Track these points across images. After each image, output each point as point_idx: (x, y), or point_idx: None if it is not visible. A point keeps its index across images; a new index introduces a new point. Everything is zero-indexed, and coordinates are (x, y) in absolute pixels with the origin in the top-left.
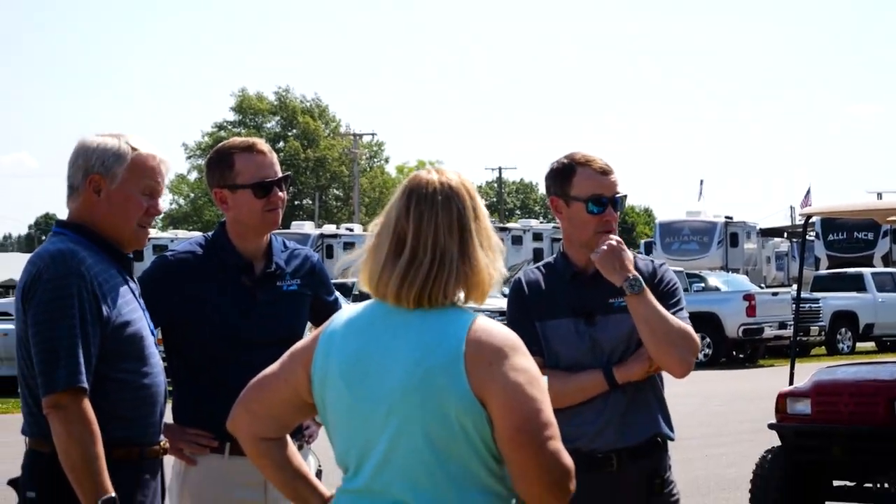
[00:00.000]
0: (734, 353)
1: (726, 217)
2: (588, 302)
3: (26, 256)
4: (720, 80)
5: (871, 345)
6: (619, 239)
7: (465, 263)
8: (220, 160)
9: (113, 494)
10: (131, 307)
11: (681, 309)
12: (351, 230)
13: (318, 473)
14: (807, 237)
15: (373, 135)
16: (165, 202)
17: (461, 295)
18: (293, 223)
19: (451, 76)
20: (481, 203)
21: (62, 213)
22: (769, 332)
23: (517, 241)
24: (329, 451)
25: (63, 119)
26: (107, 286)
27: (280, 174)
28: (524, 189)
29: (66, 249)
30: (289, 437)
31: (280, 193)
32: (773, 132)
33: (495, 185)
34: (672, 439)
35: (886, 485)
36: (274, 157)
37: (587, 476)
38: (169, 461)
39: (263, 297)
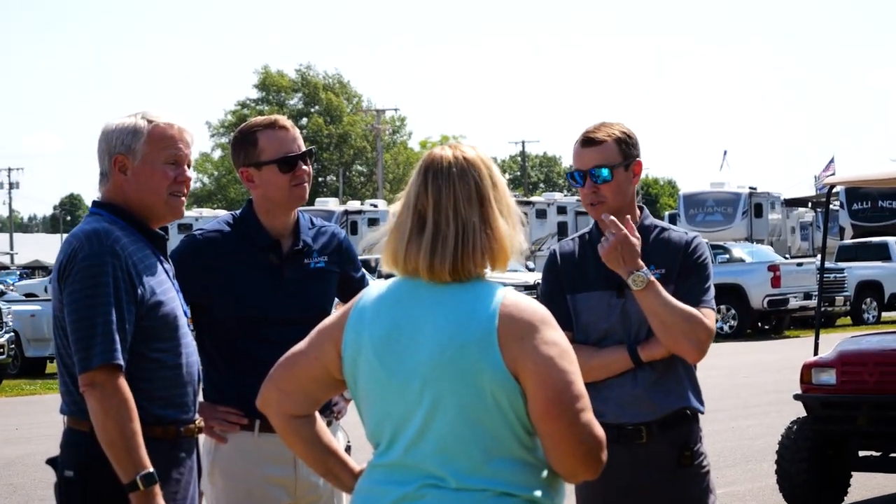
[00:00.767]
0: (759, 324)
1: (750, 188)
2: (619, 274)
3: (51, 237)
4: (743, 52)
5: None
6: (623, 228)
7: (487, 232)
8: (243, 139)
9: (151, 469)
10: (165, 287)
11: (706, 287)
12: (375, 206)
13: (348, 449)
14: (831, 207)
15: (395, 110)
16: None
17: (487, 262)
18: (317, 200)
19: (473, 50)
20: (499, 173)
21: (87, 194)
22: (794, 302)
23: (541, 214)
24: (357, 427)
25: (86, 99)
26: (141, 265)
27: (304, 149)
28: (548, 162)
29: (101, 228)
30: (318, 414)
31: (305, 167)
32: (796, 101)
33: (519, 158)
34: (702, 412)
35: None
36: (297, 132)
37: (617, 448)
38: (200, 439)
39: (291, 275)
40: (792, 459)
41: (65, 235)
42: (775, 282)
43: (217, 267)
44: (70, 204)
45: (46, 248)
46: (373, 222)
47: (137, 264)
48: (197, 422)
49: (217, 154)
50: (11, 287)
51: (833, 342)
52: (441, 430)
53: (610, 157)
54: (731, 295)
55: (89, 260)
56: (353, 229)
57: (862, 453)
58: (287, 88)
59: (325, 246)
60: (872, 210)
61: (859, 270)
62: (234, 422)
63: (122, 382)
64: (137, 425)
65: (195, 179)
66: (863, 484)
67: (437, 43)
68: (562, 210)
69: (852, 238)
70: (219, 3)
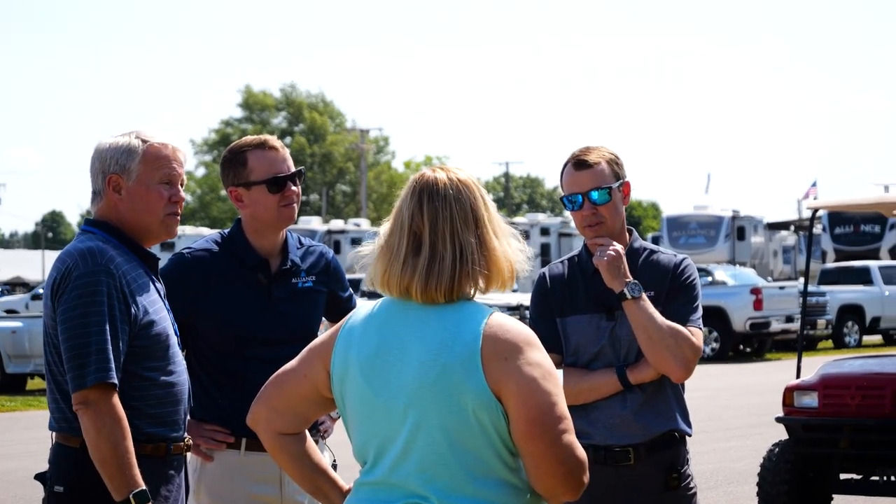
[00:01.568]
0: (741, 346)
1: (733, 211)
2: (608, 297)
3: (33, 253)
4: (727, 74)
5: (878, 338)
6: (618, 247)
7: (484, 254)
8: (233, 159)
9: (143, 487)
10: (157, 307)
11: (695, 307)
12: (358, 225)
13: (334, 467)
14: (813, 230)
15: (379, 130)
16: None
17: (482, 284)
18: (301, 219)
19: (457, 70)
20: (487, 195)
21: (68, 211)
22: (776, 325)
23: (524, 235)
24: (344, 446)
25: (69, 116)
26: (135, 285)
27: (293, 169)
28: (531, 184)
29: (96, 247)
30: (307, 432)
31: (294, 188)
32: (779, 125)
33: (502, 179)
34: (689, 435)
35: (893, 477)
36: (286, 152)
37: (604, 469)
38: (187, 457)
39: (279, 294)
40: (773, 482)
41: (46, 252)
42: (757, 305)
43: (205, 286)
44: (52, 220)
45: (28, 264)
46: (356, 241)
47: (131, 283)
48: (186, 439)
49: (200, 172)
50: None
51: (815, 365)
52: (424, 450)
53: (605, 179)
54: (714, 317)
55: (84, 278)
56: (337, 248)
57: (843, 476)
58: (271, 107)
59: (313, 266)
60: (855, 234)
61: (841, 294)
62: (220, 440)
63: (116, 401)
64: (130, 444)
65: None
66: None
67: (422, 64)
68: (545, 231)
69: (834, 262)
70: (203, 21)
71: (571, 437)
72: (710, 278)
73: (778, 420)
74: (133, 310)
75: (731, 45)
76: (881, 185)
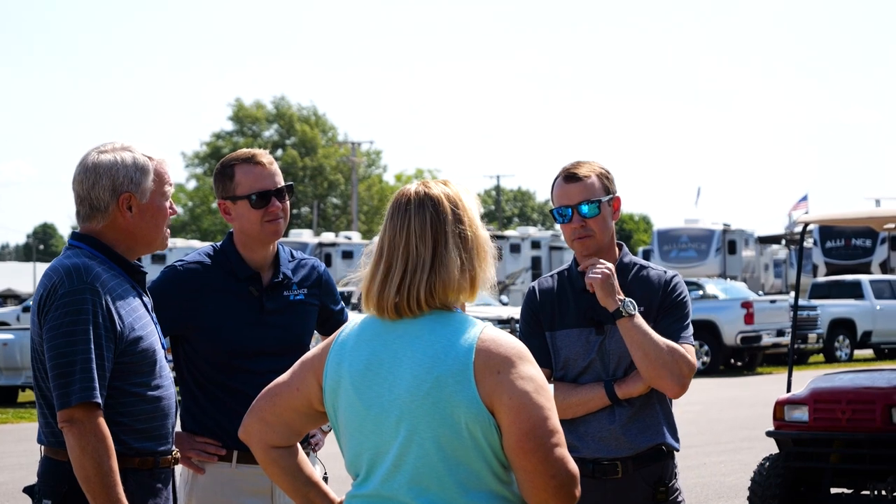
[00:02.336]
0: (732, 360)
1: (724, 224)
2: (598, 311)
3: (24, 265)
4: (718, 88)
5: (869, 352)
6: (609, 266)
7: (436, 269)
8: (221, 172)
9: None
10: (144, 322)
11: (686, 325)
12: (349, 238)
13: (325, 480)
14: (804, 244)
15: (371, 143)
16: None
17: (442, 296)
18: (291, 231)
19: (449, 84)
20: (470, 206)
21: (60, 223)
22: (767, 339)
23: (515, 248)
24: (334, 459)
25: (61, 128)
26: (120, 301)
27: (280, 185)
28: (522, 197)
29: (81, 264)
30: (299, 445)
31: (279, 204)
32: (770, 139)
33: (493, 192)
34: (677, 450)
35: (883, 492)
36: (275, 168)
37: (592, 482)
38: (177, 470)
39: (271, 307)
40: (764, 496)
41: (38, 264)
42: (748, 318)
43: (197, 299)
44: (43, 233)
45: (19, 276)
46: (347, 255)
47: (117, 300)
48: (174, 453)
49: (192, 185)
50: None
51: (806, 379)
52: (416, 462)
53: (595, 192)
54: (705, 331)
55: (69, 296)
56: (328, 261)
57: (834, 490)
58: (262, 120)
59: (304, 279)
60: (846, 248)
61: (832, 308)
62: (211, 452)
63: (101, 420)
64: (114, 462)
65: None
66: None
67: (414, 77)
68: (536, 244)
69: (825, 276)
70: (195, 34)
71: (563, 451)
72: (700, 292)
73: (768, 434)
74: (119, 326)
75: (722, 58)
76: (872, 199)
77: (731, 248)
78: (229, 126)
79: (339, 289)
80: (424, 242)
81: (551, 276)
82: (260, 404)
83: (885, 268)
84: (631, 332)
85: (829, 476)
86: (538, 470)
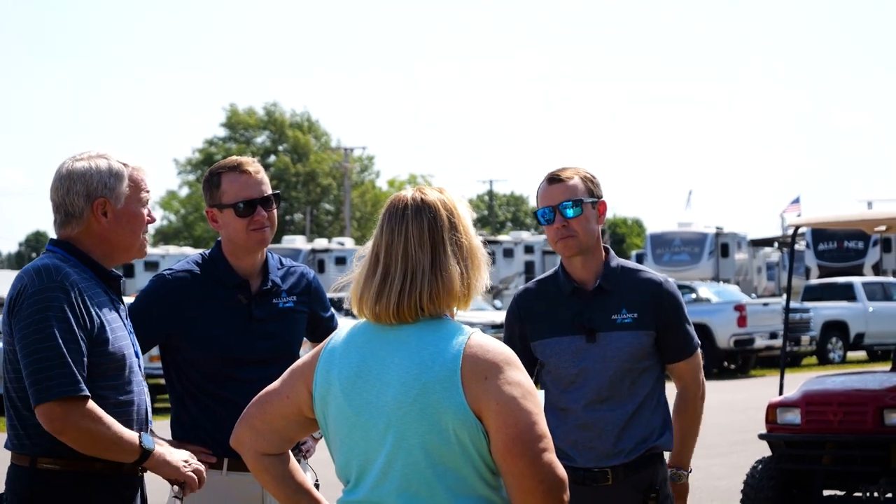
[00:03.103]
0: (725, 363)
1: (717, 228)
2: (589, 318)
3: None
4: (709, 90)
5: (862, 354)
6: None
7: (436, 275)
8: (209, 180)
9: (139, 436)
10: (115, 325)
11: (690, 333)
12: (342, 244)
13: (316, 486)
14: (796, 247)
15: (363, 149)
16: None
17: (439, 303)
18: (284, 238)
19: (441, 89)
20: (464, 215)
21: (52, 231)
22: (760, 342)
23: (508, 253)
24: (326, 465)
25: (53, 136)
26: (90, 302)
27: (266, 193)
28: (515, 201)
29: (51, 264)
30: (290, 453)
31: (265, 213)
32: (762, 141)
33: (486, 197)
34: (669, 449)
35: (875, 493)
36: (261, 176)
37: (582, 489)
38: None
39: (260, 314)
40: (756, 499)
41: None
42: (741, 321)
43: (186, 306)
44: (36, 241)
45: (10, 284)
46: (340, 261)
47: (87, 300)
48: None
49: (184, 192)
50: None
51: (799, 382)
52: (405, 469)
53: (578, 193)
54: (698, 334)
55: (38, 294)
56: (321, 267)
57: (826, 492)
58: (254, 126)
59: (294, 286)
60: (838, 250)
61: (825, 310)
62: (202, 460)
63: (86, 408)
64: (115, 428)
65: (162, 217)
66: None
67: (406, 83)
68: (529, 249)
69: (818, 278)
70: (187, 39)
71: (551, 456)
72: (693, 295)
73: (761, 437)
74: (88, 324)
75: (714, 61)
76: (864, 202)
77: (724, 251)
78: (222, 132)
79: (332, 294)
80: (423, 248)
81: (535, 282)
82: (250, 412)
83: (877, 270)
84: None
85: (821, 478)
86: (526, 475)
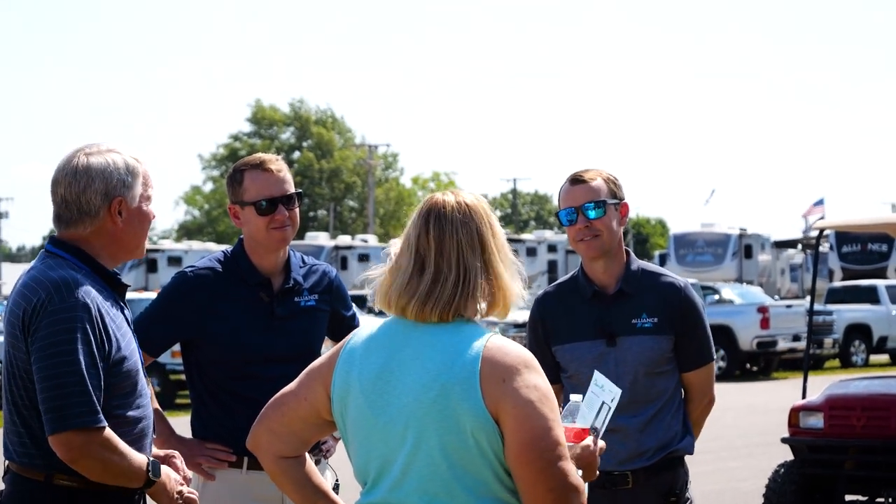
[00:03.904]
0: (748, 365)
1: (740, 229)
2: (610, 323)
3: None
4: (734, 91)
5: (884, 357)
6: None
7: (488, 279)
8: (233, 176)
9: (147, 462)
10: (127, 339)
11: (708, 342)
12: (365, 241)
13: (336, 487)
14: (820, 249)
15: (387, 146)
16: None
17: (482, 308)
18: (307, 234)
19: (466, 87)
20: (497, 221)
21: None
22: (783, 344)
23: (532, 252)
24: (347, 466)
25: (76, 130)
26: (108, 318)
27: (288, 192)
28: (539, 200)
29: (70, 277)
30: (307, 454)
31: (286, 212)
32: (787, 142)
33: (510, 196)
34: (690, 453)
35: None
36: (284, 174)
37: (602, 493)
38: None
39: (281, 313)
40: (779, 503)
41: None
42: (764, 323)
43: (208, 304)
44: None
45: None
46: (363, 258)
47: (105, 317)
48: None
49: (209, 187)
50: None
51: (821, 385)
52: (424, 470)
53: (600, 194)
54: (721, 336)
55: (61, 314)
56: (344, 264)
57: (849, 497)
58: (279, 122)
59: (315, 284)
60: (862, 253)
61: (848, 313)
62: (222, 458)
63: (103, 437)
64: (126, 459)
65: (186, 212)
66: None
67: (431, 80)
68: (552, 248)
69: (842, 280)
70: (213, 35)
71: (566, 464)
72: (716, 296)
73: (783, 440)
74: (106, 346)
75: (739, 61)
76: (889, 204)
77: (748, 252)
78: (247, 128)
79: (355, 292)
80: (475, 253)
81: (556, 286)
82: (268, 413)
83: None
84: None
85: (843, 483)
86: (537, 481)
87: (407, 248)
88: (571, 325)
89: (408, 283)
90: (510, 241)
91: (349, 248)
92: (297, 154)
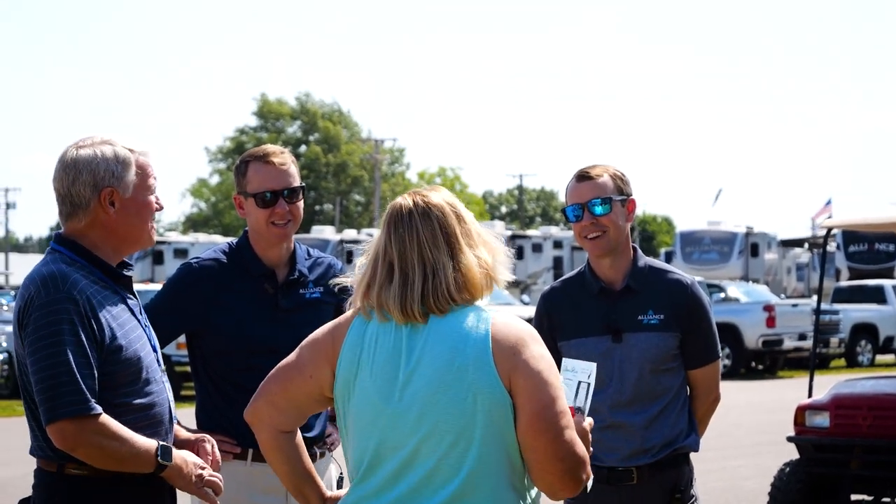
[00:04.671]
0: (754, 364)
1: (747, 227)
2: (616, 319)
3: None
4: (741, 89)
5: (890, 357)
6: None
7: (456, 268)
8: (238, 167)
9: (157, 447)
10: (128, 328)
11: (714, 340)
12: (371, 236)
13: (340, 480)
14: (827, 248)
15: (394, 140)
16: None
17: (462, 296)
18: (313, 228)
19: (472, 82)
20: (463, 207)
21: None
22: (789, 343)
23: (537, 248)
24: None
25: (83, 121)
26: (100, 309)
27: (290, 185)
28: (545, 196)
29: (58, 271)
30: (300, 434)
31: (286, 206)
32: (794, 141)
33: (516, 192)
34: (695, 450)
35: None
36: (287, 167)
37: (607, 488)
38: None
39: (286, 305)
40: (784, 502)
41: None
42: (770, 322)
43: (213, 295)
44: None
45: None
46: None
47: (96, 307)
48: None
49: (215, 180)
50: (6, 307)
51: (827, 384)
52: (431, 458)
53: (607, 191)
54: (726, 334)
55: (46, 307)
56: (349, 258)
57: (854, 497)
58: (286, 116)
59: (320, 277)
60: (869, 252)
61: (855, 313)
62: (226, 450)
63: (98, 426)
64: (128, 444)
65: (192, 205)
66: None
67: (438, 75)
68: (558, 244)
69: (848, 280)
70: (219, 29)
71: (572, 434)
72: (722, 295)
73: (789, 439)
74: (99, 335)
75: (747, 60)
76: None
77: (754, 250)
78: (253, 121)
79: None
80: (438, 247)
81: (562, 281)
82: (270, 387)
83: None
84: None
85: (849, 483)
86: (548, 451)
87: (375, 258)
88: (577, 320)
89: (380, 291)
90: (515, 237)
91: (355, 242)
92: (303, 148)
